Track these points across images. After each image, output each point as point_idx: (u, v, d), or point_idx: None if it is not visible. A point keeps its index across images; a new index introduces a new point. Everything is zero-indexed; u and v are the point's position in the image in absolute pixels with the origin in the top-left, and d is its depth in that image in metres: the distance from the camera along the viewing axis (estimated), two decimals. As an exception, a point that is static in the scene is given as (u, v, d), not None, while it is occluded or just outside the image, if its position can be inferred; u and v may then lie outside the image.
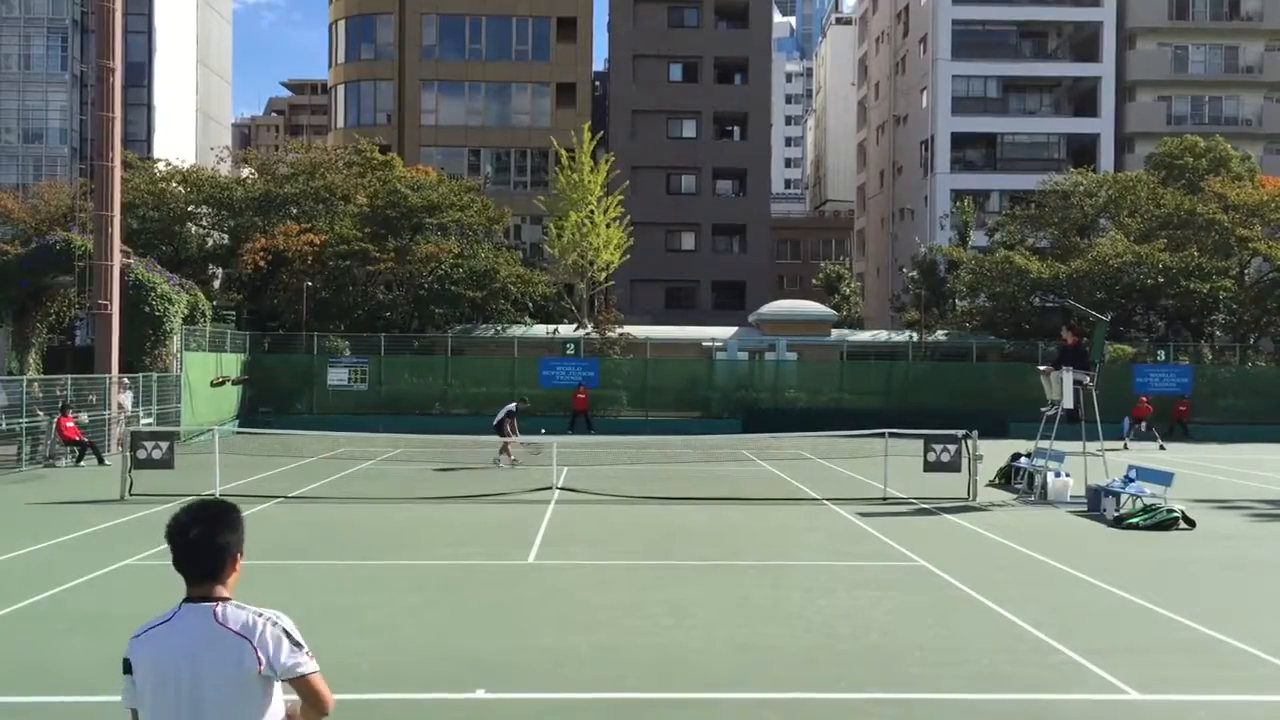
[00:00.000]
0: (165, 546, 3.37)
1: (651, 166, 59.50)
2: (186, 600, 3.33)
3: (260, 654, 3.24)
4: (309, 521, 15.30)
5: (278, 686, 3.34)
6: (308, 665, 3.34)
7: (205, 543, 3.30)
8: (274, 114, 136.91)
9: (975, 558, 13.08)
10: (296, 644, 3.32)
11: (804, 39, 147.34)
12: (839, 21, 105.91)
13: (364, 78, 60.05)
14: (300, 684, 3.36)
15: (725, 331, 44.95)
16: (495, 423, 24.14)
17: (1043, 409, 19.62)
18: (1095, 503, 17.19)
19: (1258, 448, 32.90)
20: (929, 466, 18.90)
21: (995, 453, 22.20)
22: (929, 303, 49.17)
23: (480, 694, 7.51)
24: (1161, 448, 31.72)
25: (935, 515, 16.78)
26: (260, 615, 3.30)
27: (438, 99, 59.58)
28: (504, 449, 23.87)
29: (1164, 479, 16.23)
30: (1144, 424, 33.35)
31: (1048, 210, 48.42)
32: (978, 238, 52.05)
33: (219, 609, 3.28)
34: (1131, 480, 16.60)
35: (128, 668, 3.30)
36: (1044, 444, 19.65)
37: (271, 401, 35.31)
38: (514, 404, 24.74)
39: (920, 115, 63.91)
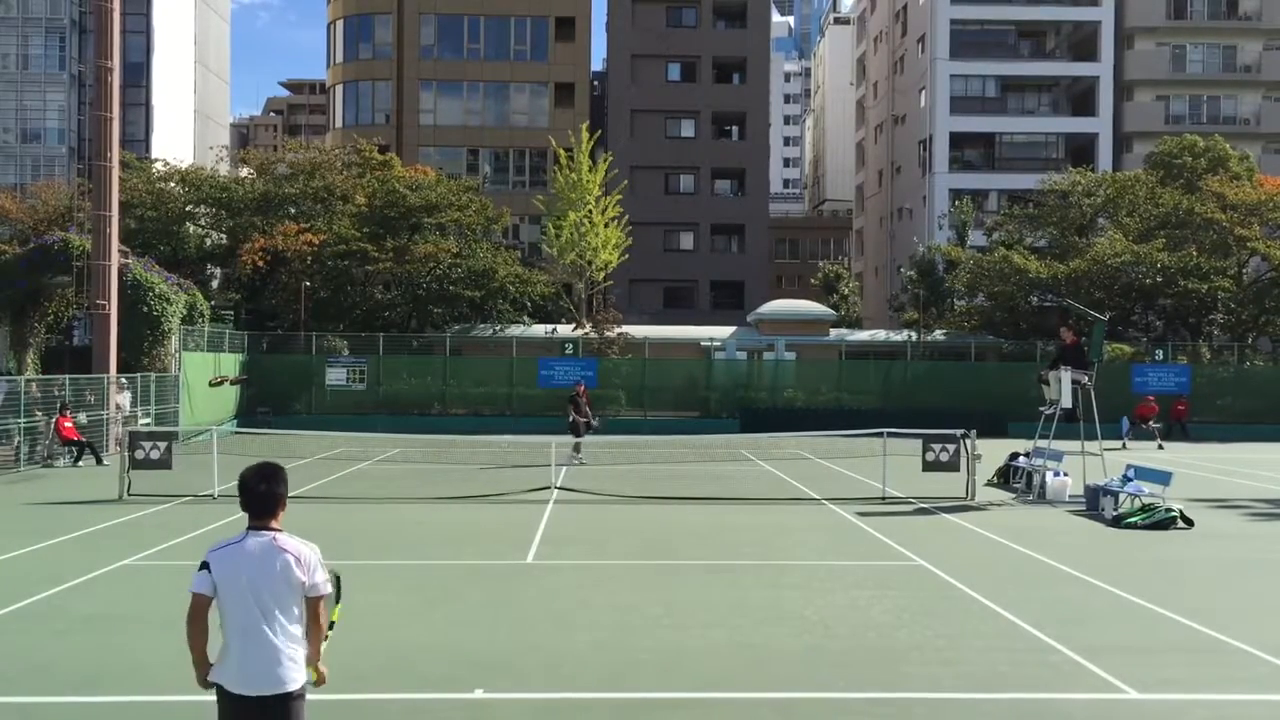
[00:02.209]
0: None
1: (650, 166, 59.49)
2: (250, 529, 4.71)
3: (304, 570, 4.64)
4: (307, 522, 15.27)
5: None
6: (324, 589, 4.73)
7: (268, 493, 4.74)
8: (272, 114, 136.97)
9: (974, 557, 13.08)
10: (324, 570, 4.73)
11: (802, 39, 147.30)
12: (837, 21, 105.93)
13: (362, 78, 60.01)
14: (314, 600, 4.70)
15: (724, 331, 44.95)
16: (570, 421, 24.06)
17: (1041, 408, 19.65)
18: (1094, 502, 17.20)
19: (1256, 447, 32.92)
20: (927, 466, 18.90)
21: (994, 452, 22.20)
22: (927, 302, 49.17)
23: (479, 694, 7.51)
24: (1160, 447, 31.75)
25: (934, 515, 16.79)
26: (305, 544, 4.72)
27: (436, 99, 59.55)
28: (578, 445, 24.12)
29: (1162, 478, 16.23)
30: (1150, 422, 33.40)
31: (1046, 210, 48.43)
32: (976, 237, 52.06)
33: (277, 536, 4.67)
34: (1130, 480, 16.61)
35: (205, 567, 4.64)
36: (1042, 443, 19.66)
37: (270, 401, 35.28)
38: (579, 387, 25.06)
39: (919, 115, 63.92)
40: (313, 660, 4.78)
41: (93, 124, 27.89)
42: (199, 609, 4.67)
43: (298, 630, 4.65)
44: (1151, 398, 34.75)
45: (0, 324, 31.05)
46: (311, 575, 4.65)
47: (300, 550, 4.65)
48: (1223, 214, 42.59)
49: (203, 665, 4.69)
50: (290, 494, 4.89)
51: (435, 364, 39.07)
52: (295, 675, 4.61)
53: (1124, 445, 31.07)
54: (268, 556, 4.59)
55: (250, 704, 4.55)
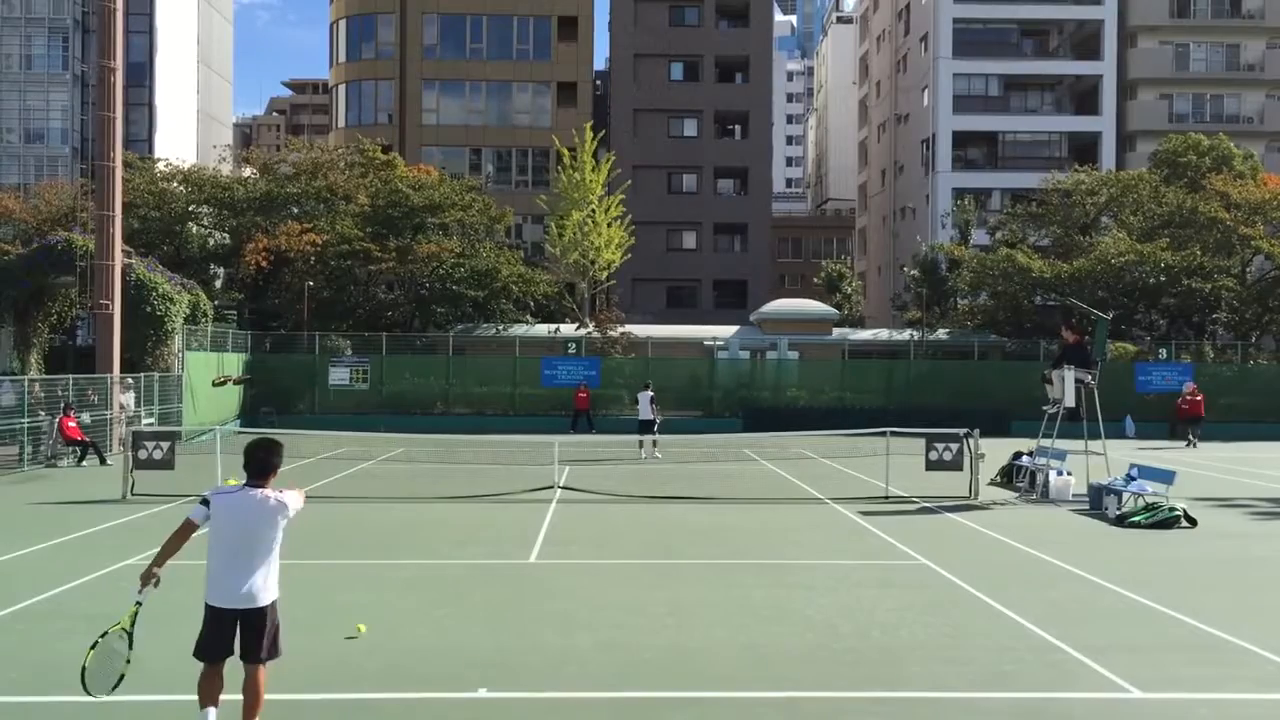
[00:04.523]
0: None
1: (653, 166, 59.49)
2: (248, 485, 6.18)
3: (288, 508, 6.19)
4: (309, 521, 15.27)
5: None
6: (298, 511, 6.30)
7: (264, 460, 6.24)
8: (275, 113, 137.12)
9: (977, 556, 13.08)
10: (295, 502, 6.29)
11: (805, 38, 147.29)
12: (840, 20, 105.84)
13: (365, 77, 60.06)
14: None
15: (727, 330, 44.93)
16: (645, 420, 26.18)
17: (1045, 407, 19.64)
18: (1097, 501, 17.19)
19: (1259, 446, 32.87)
20: (931, 465, 18.90)
21: (997, 451, 22.19)
22: (930, 301, 49.15)
23: (482, 693, 7.51)
24: (1190, 444, 32.11)
25: (937, 514, 16.78)
26: (284, 491, 6.25)
27: (439, 98, 59.60)
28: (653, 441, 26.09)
29: (1165, 477, 16.21)
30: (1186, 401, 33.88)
31: (1049, 209, 48.41)
32: (979, 236, 52.04)
33: (268, 492, 6.17)
34: (1133, 479, 16.60)
35: (205, 503, 6.10)
36: (1045, 442, 19.65)
37: (273, 401, 35.31)
38: (650, 392, 26.88)
39: (921, 114, 63.88)
40: None
41: (96, 124, 27.86)
42: (185, 529, 6.16)
43: (275, 559, 6.17)
44: (1194, 387, 34.45)
45: (4, 324, 31.09)
46: (287, 510, 6.18)
47: (284, 495, 6.20)
48: (1226, 213, 42.54)
49: (159, 563, 6.19)
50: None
51: (438, 364, 39.09)
52: (269, 595, 6.13)
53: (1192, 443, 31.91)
54: (262, 504, 6.07)
55: (231, 615, 6.04)
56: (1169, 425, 34.98)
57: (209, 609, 6.09)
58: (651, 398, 26.74)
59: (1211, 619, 9.78)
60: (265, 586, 6.11)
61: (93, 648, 6.26)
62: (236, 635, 6.12)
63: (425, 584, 11.15)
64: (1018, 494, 19.46)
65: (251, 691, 6.26)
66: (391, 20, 59.34)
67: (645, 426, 26.29)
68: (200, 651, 6.18)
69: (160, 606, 9.88)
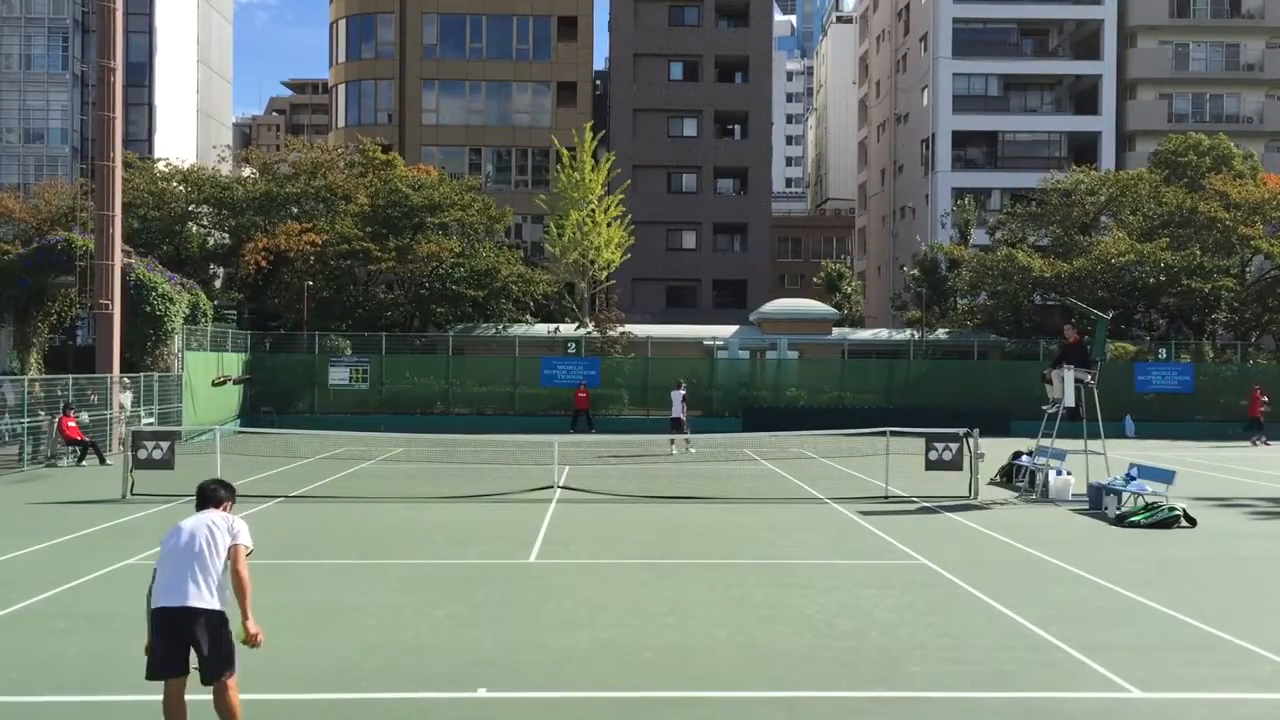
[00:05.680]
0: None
1: (652, 165, 59.49)
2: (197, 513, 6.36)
3: (232, 525, 6.24)
4: (309, 521, 15.30)
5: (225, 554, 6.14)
6: (245, 540, 6.25)
7: (213, 491, 6.48)
8: (275, 113, 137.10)
9: (976, 556, 13.08)
10: (246, 531, 6.30)
11: (805, 37, 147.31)
12: (840, 20, 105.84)
13: (365, 77, 60.05)
14: (234, 548, 6.16)
15: (726, 330, 44.93)
16: (676, 418, 27.24)
17: (1044, 407, 19.65)
18: (1097, 501, 17.19)
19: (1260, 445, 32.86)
20: (930, 465, 18.89)
21: (996, 451, 22.20)
22: (930, 301, 49.13)
23: (482, 693, 7.51)
24: (1253, 444, 32.67)
25: (937, 514, 16.78)
26: (233, 516, 6.37)
27: (438, 98, 59.60)
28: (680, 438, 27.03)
29: (1165, 477, 16.22)
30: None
31: (1049, 208, 48.38)
32: (979, 236, 52.03)
33: (212, 512, 6.33)
34: (1133, 478, 16.60)
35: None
36: (1045, 442, 19.65)
37: (273, 401, 35.32)
38: (682, 390, 27.85)
39: (921, 113, 63.87)
40: (243, 618, 6.01)
41: (95, 124, 27.87)
42: None
43: (215, 577, 6.05)
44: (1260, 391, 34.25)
45: (4, 324, 31.09)
46: (236, 529, 6.23)
47: (229, 516, 6.35)
48: (1226, 213, 42.52)
49: None
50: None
51: (438, 363, 39.09)
52: (210, 599, 5.99)
53: (1254, 443, 32.61)
54: (208, 516, 6.27)
55: (172, 617, 5.95)
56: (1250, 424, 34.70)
57: (154, 617, 6.02)
58: (684, 396, 27.70)
59: (1211, 618, 9.78)
60: (206, 590, 6.00)
61: None
62: (189, 653, 6.01)
63: (425, 584, 11.15)
64: (1017, 494, 19.47)
65: (225, 708, 6.15)
66: (391, 20, 59.33)
67: (676, 424, 27.36)
68: (151, 669, 6.08)
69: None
